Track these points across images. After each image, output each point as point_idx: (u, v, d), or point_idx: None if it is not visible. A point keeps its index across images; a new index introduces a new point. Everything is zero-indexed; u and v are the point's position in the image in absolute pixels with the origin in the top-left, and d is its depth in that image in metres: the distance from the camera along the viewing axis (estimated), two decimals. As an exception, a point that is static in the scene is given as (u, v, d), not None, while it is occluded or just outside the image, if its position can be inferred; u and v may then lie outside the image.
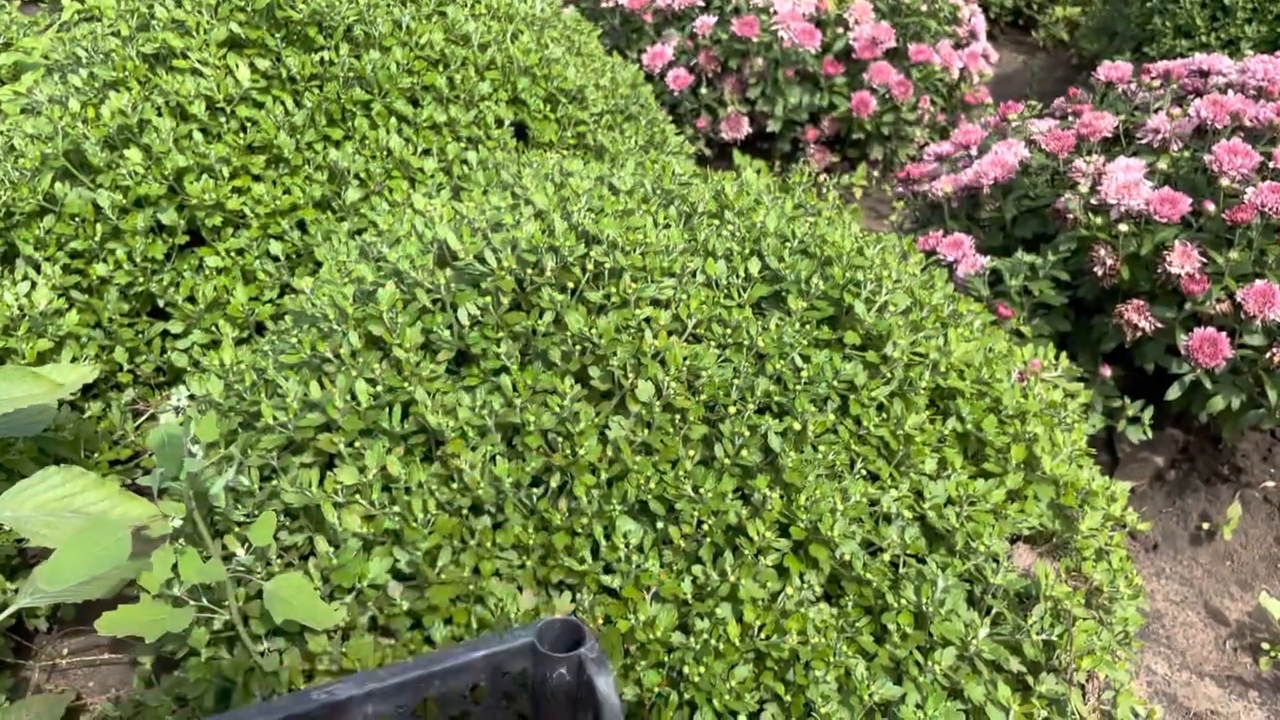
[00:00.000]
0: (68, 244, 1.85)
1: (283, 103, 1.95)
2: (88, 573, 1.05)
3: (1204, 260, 1.82)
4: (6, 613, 1.33)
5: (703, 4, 3.35)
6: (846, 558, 1.23)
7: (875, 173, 3.38)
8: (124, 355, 1.87)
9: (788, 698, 1.17)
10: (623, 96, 2.34)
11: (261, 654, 1.17)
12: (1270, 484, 2.05)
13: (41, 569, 1.07)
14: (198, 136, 1.88)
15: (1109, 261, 1.91)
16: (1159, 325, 1.87)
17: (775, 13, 3.15)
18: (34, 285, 1.77)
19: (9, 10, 3.00)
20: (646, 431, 1.25)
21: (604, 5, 3.42)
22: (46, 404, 1.39)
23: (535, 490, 1.23)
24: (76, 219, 1.85)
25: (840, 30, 3.24)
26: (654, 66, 3.29)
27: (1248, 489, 2.03)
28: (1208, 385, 1.83)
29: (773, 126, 3.26)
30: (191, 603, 1.14)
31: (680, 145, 2.52)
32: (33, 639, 1.66)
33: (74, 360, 1.78)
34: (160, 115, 1.90)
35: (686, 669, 1.15)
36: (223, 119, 1.92)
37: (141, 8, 2.04)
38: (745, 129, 3.26)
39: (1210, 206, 1.84)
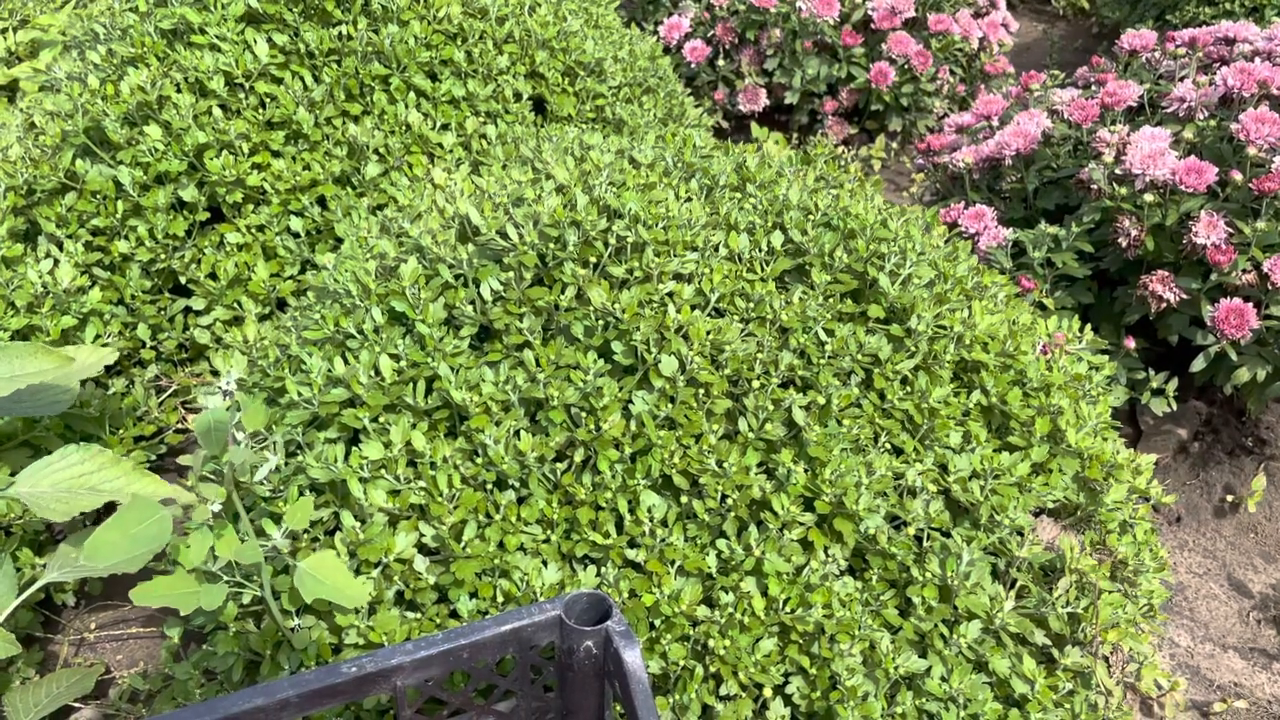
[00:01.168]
0: (89, 221, 1.86)
1: (301, 78, 1.95)
2: (130, 551, 1.06)
3: (1230, 230, 1.80)
4: (35, 587, 1.35)
5: (720, -26, 3.32)
6: (871, 531, 1.23)
7: (894, 144, 3.35)
8: (147, 332, 1.88)
9: (813, 671, 1.18)
10: (641, 69, 2.33)
11: (292, 629, 1.18)
12: (1295, 456, 2.04)
13: (85, 547, 1.08)
14: (217, 113, 1.88)
15: (1133, 232, 1.89)
16: (1184, 296, 1.85)
17: (793, -17, 3.12)
18: (57, 263, 1.78)
19: (25, -13, 3.00)
20: (670, 406, 1.25)
21: (620, -23, 3.39)
22: (66, 385, 1.40)
23: (559, 465, 1.23)
24: (98, 196, 1.85)
25: (858, 0, 3.21)
26: (671, 38, 3.27)
27: (1272, 461, 2.02)
28: (1233, 356, 1.81)
29: (790, 98, 3.23)
30: (225, 578, 1.14)
31: (699, 118, 2.51)
32: (60, 613, 1.68)
33: (97, 337, 1.79)
34: (179, 91, 1.90)
35: (712, 642, 1.16)
36: (242, 95, 1.92)
37: (159, -17, 2.03)
38: (763, 101, 3.24)
39: (1237, 176, 1.82)
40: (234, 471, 1.10)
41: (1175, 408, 1.95)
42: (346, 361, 1.32)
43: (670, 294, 1.32)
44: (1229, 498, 1.96)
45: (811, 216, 1.46)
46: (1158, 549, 1.44)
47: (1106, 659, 1.36)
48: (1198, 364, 1.84)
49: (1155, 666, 1.46)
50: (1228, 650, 1.70)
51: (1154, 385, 1.93)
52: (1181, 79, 2.15)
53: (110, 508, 1.58)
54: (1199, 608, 1.78)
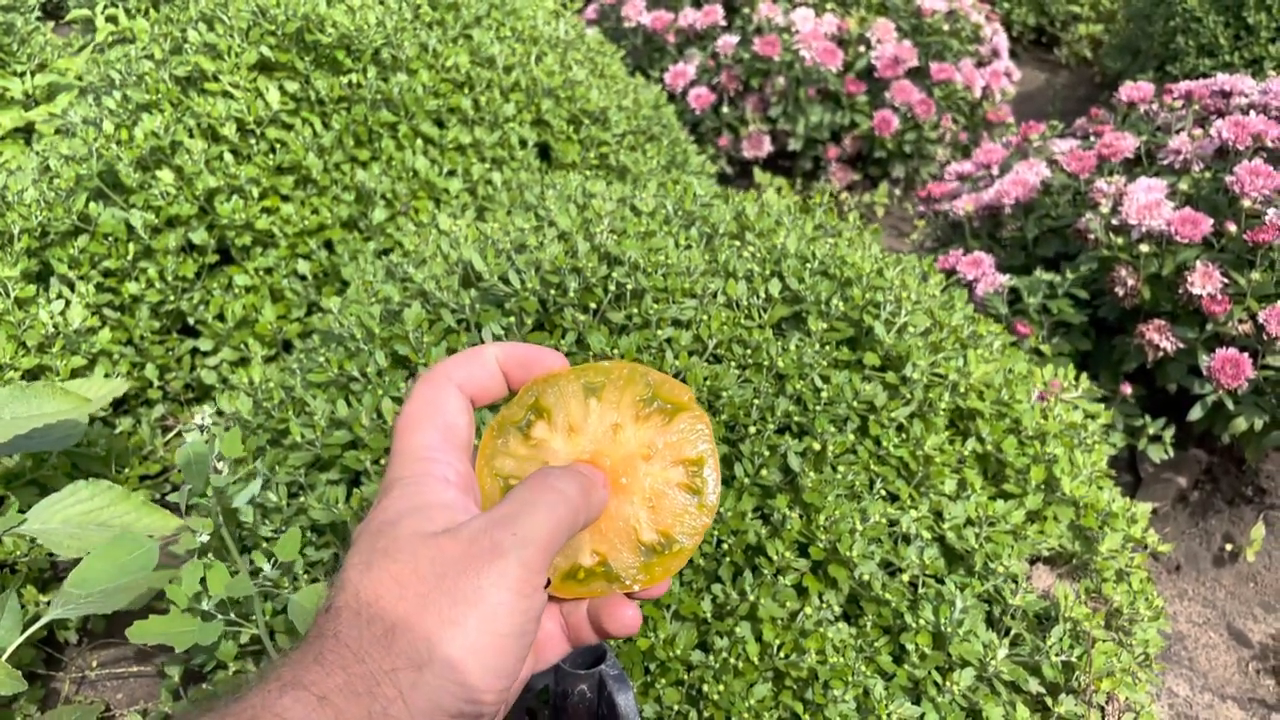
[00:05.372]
0: (101, 263, 1.89)
1: (311, 125, 1.99)
2: (115, 578, 1.08)
3: (1225, 281, 1.82)
4: (38, 624, 1.36)
5: (725, 24, 3.38)
6: (865, 578, 1.24)
7: (897, 191, 3.39)
8: (154, 372, 1.91)
9: (806, 717, 1.18)
10: (645, 117, 2.37)
11: (288, 668, 1.19)
12: (1294, 505, 2.04)
13: (72, 575, 1.10)
14: (228, 158, 1.92)
15: (1130, 282, 1.91)
16: (1181, 345, 1.87)
17: (797, 32, 3.18)
18: (68, 303, 1.81)
19: (43, 32, 3.06)
20: (667, 451, 1.26)
21: (626, 25, 3.45)
22: (77, 420, 1.42)
23: (557, 508, 1.24)
24: (110, 238, 1.89)
25: (862, 49, 3.26)
26: (676, 85, 3.32)
27: (1272, 510, 2.02)
28: (1230, 406, 1.83)
29: (794, 145, 3.27)
30: (220, 616, 1.16)
31: (702, 165, 2.54)
32: (63, 651, 1.69)
33: (106, 376, 1.81)
34: (192, 137, 1.94)
35: (706, 687, 1.16)
36: (253, 140, 1.96)
37: (174, 31, 2.08)
38: (767, 147, 3.28)
39: (1232, 227, 1.84)
40: (218, 501, 1.12)
41: (1172, 455, 1.96)
42: (350, 404, 1.34)
43: (669, 340, 1.34)
44: (1228, 546, 1.96)
45: (809, 265, 1.48)
46: (1154, 598, 1.44)
47: (1102, 708, 1.36)
48: (1195, 413, 1.85)
49: (1152, 716, 1.46)
50: (1226, 700, 1.69)
51: (1151, 432, 1.94)
52: (1178, 131, 2.18)
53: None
54: (1198, 657, 1.78)
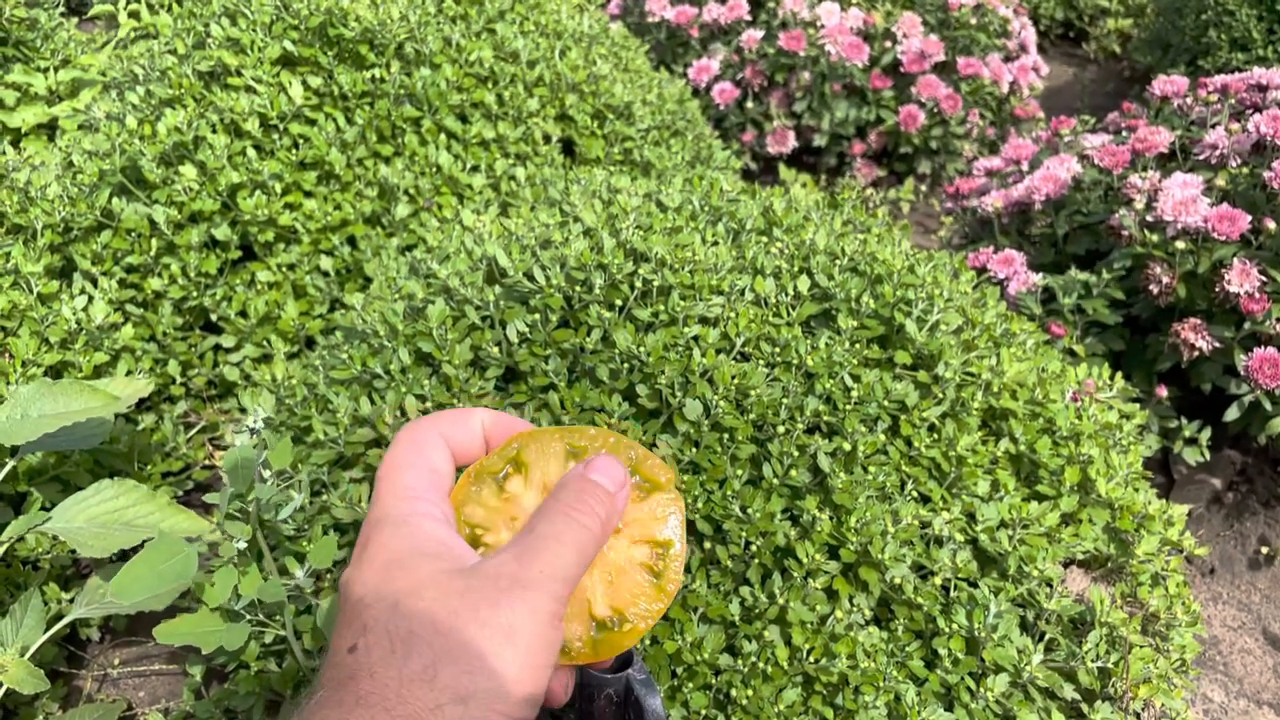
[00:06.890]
0: (124, 259, 1.88)
1: (334, 120, 1.98)
2: (157, 587, 1.07)
3: (1264, 279, 1.78)
4: (63, 623, 1.35)
5: (749, 18, 3.35)
6: (897, 581, 1.21)
7: (923, 187, 3.35)
8: (177, 369, 1.90)
9: (837, 722, 1.16)
10: (669, 112, 2.35)
11: (313, 669, 1.18)
12: (1332, 508, 1.99)
13: (113, 584, 1.09)
14: (251, 153, 1.91)
15: (1165, 279, 1.87)
16: (1217, 345, 1.83)
17: (822, 27, 3.15)
18: (91, 299, 1.80)
19: (67, 28, 3.07)
20: (694, 450, 1.24)
21: (650, 20, 3.43)
22: (104, 418, 1.41)
23: (583, 509, 1.23)
24: (133, 234, 1.88)
25: (888, 44, 3.23)
26: (700, 80, 3.30)
27: (1308, 512, 1.98)
28: (1267, 406, 1.79)
29: (819, 140, 3.24)
30: (248, 617, 1.15)
31: (726, 160, 2.52)
32: (85, 648, 1.68)
33: (129, 373, 1.80)
34: (215, 132, 1.93)
35: (734, 691, 1.14)
36: (275, 136, 1.95)
37: (198, 26, 2.08)
38: (791, 143, 3.25)
39: (1270, 224, 1.80)
40: (259, 509, 1.11)
41: (1208, 457, 1.92)
42: (373, 401, 1.33)
43: (695, 337, 1.32)
44: (1264, 549, 1.92)
45: (838, 261, 1.46)
46: (1190, 602, 1.41)
47: (1138, 715, 1.33)
48: (1231, 413, 1.82)
49: (1189, 723, 1.43)
50: (1263, 706, 1.66)
51: (1187, 434, 1.90)
52: (1213, 125, 2.14)
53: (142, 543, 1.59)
54: (1233, 662, 1.74)
